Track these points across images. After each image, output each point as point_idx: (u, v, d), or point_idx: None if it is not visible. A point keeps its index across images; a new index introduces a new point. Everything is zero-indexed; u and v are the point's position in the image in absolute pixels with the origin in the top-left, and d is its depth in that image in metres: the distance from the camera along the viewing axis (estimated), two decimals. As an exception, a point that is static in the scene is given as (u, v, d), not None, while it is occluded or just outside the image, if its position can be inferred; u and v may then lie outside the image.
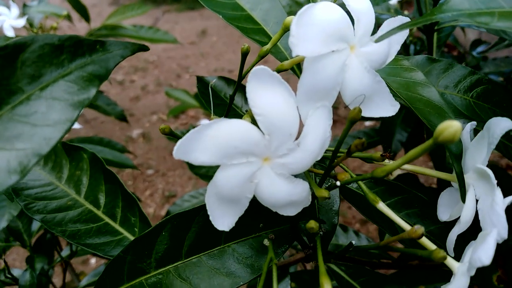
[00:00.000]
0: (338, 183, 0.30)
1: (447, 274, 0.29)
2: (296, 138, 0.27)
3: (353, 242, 0.32)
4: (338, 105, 2.53)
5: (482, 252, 0.23)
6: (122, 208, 0.51)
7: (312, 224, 0.27)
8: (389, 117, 0.30)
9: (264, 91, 0.26)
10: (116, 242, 0.49)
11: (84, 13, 1.41)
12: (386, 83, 0.35)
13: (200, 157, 0.26)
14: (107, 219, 0.50)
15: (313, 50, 0.25)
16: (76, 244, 0.48)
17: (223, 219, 0.29)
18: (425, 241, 0.28)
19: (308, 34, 0.25)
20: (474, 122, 0.35)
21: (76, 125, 1.10)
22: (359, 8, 0.27)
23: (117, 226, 0.50)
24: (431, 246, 0.27)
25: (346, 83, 0.28)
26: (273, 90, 0.26)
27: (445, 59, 0.48)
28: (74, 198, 0.52)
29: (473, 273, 0.25)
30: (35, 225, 0.98)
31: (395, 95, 0.34)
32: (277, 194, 0.28)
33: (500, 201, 0.27)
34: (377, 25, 0.33)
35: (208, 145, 0.26)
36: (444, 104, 0.34)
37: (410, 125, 1.01)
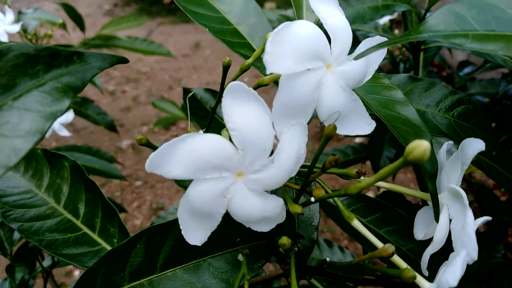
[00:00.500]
0: (312, 199, 0.30)
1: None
2: (271, 155, 0.27)
3: (328, 259, 0.32)
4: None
5: (450, 274, 0.24)
6: (101, 218, 0.50)
7: (284, 240, 0.27)
8: (378, 133, 0.30)
9: (239, 107, 0.26)
10: (94, 253, 0.48)
11: (79, 22, 1.42)
12: (365, 101, 0.36)
13: (174, 171, 0.26)
14: (85, 229, 0.50)
15: (288, 68, 0.26)
16: (52, 254, 0.47)
17: (196, 234, 0.29)
18: (396, 259, 0.28)
19: (283, 52, 0.25)
20: (451, 142, 0.35)
21: (66, 133, 1.09)
22: (336, 27, 0.28)
23: (95, 237, 0.49)
24: (403, 265, 0.27)
25: (322, 101, 0.28)
26: (248, 106, 0.26)
27: (427, 79, 0.48)
28: (53, 206, 0.51)
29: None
30: (17, 233, 0.96)
31: (373, 113, 0.34)
32: (249, 210, 0.28)
33: (471, 222, 0.27)
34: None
35: (181, 158, 0.26)
36: (422, 123, 0.35)
37: (398, 142, 1.02)
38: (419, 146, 0.21)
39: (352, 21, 0.56)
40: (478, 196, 1.12)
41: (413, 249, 0.45)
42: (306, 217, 0.43)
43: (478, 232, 1.01)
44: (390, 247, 0.25)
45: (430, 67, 1.31)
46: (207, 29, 0.45)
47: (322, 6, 0.28)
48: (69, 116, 1.07)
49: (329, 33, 0.28)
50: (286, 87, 0.27)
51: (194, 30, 4.00)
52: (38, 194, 0.52)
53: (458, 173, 0.30)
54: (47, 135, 1.03)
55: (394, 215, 0.49)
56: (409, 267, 0.26)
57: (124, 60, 0.26)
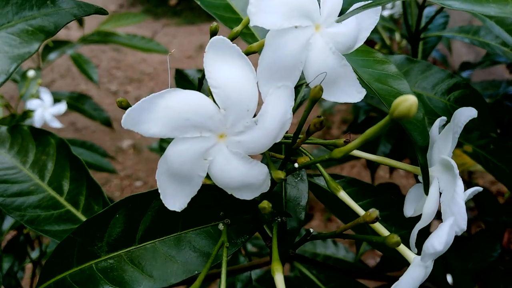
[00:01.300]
0: (296, 165, 0.28)
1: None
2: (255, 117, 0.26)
3: (311, 230, 0.31)
4: (331, 125, 2.54)
5: (435, 238, 0.22)
6: (86, 196, 0.49)
7: (265, 204, 0.26)
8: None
9: (222, 63, 0.25)
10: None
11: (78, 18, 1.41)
12: (358, 74, 0.34)
13: (151, 128, 0.25)
14: (69, 207, 0.48)
15: (273, 23, 0.25)
16: (34, 230, 0.46)
17: (175, 199, 0.28)
18: (379, 227, 0.26)
19: (268, 5, 0.24)
20: (444, 118, 0.34)
21: (57, 124, 1.08)
22: (326, -14, 0.27)
23: (79, 214, 0.48)
24: (386, 232, 0.26)
25: (310, 63, 0.27)
26: (231, 62, 0.25)
27: (424, 61, 0.47)
28: (37, 183, 0.50)
29: (428, 263, 0.24)
30: (7, 223, 0.95)
31: (365, 87, 0.33)
32: (231, 174, 0.27)
33: (461, 192, 0.26)
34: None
35: (159, 115, 0.25)
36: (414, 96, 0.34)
37: (394, 137, 1.01)
38: (405, 101, 0.20)
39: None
40: (477, 199, 1.11)
41: (404, 236, 0.43)
42: (294, 197, 0.41)
43: (474, 231, 0.99)
44: (374, 212, 0.24)
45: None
46: (199, 2, 0.44)
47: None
48: (62, 108, 1.06)
49: (318, -8, 0.26)
50: (272, 44, 0.26)
51: (199, 32, 3.99)
52: (22, 171, 0.51)
53: (449, 144, 0.29)
54: (38, 124, 1.02)
55: (386, 201, 0.48)
56: (393, 235, 0.25)
57: (102, 11, 0.25)
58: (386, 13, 1.04)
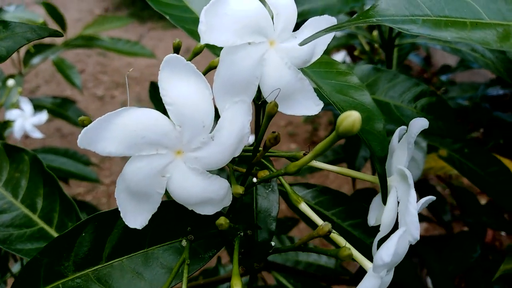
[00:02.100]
0: (254, 179, 0.29)
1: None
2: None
3: (273, 243, 0.31)
4: (318, 126, 2.55)
5: (384, 250, 0.23)
6: (59, 213, 0.49)
7: (222, 220, 0.26)
8: (355, 135, 0.28)
9: (176, 80, 0.25)
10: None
11: (60, 22, 1.40)
12: (319, 86, 0.35)
13: (107, 147, 0.25)
14: (42, 224, 0.48)
15: (225, 41, 0.25)
16: (6, 249, 0.46)
17: (135, 216, 0.28)
18: (337, 238, 0.27)
19: (219, 23, 0.24)
20: (404, 127, 0.34)
21: (38, 134, 1.07)
22: (278, 2, 0.27)
23: (52, 231, 0.47)
24: (343, 243, 0.26)
25: (265, 78, 0.27)
26: (186, 80, 0.25)
27: (391, 70, 0.48)
28: (10, 201, 0.50)
29: (381, 273, 0.24)
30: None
31: (325, 99, 0.33)
32: (190, 190, 0.27)
33: (414, 201, 0.26)
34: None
35: (115, 134, 0.25)
36: (375, 107, 0.34)
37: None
38: (348, 117, 0.21)
39: (321, 12, 0.56)
40: (459, 199, 1.12)
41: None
42: (265, 208, 0.42)
43: (456, 232, 1.00)
44: (327, 225, 0.24)
45: (407, 69, 1.32)
46: (168, 17, 0.45)
47: (263, -20, 0.27)
48: (42, 117, 1.05)
49: (271, 8, 0.27)
50: (227, 61, 0.26)
51: (185, 35, 3.99)
52: (-5, 189, 0.51)
53: (405, 155, 0.29)
54: (18, 135, 1.01)
55: (358, 209, 0.48)
56: (347, 246, 0.25)
57: (57, 34, 0.25)
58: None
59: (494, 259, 1.06)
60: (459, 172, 0.74)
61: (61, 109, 1.38)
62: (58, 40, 1.83)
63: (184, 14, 0.48)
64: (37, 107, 1.12)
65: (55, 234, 0.48)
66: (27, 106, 1.05)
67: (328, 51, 0.78)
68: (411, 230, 0.25)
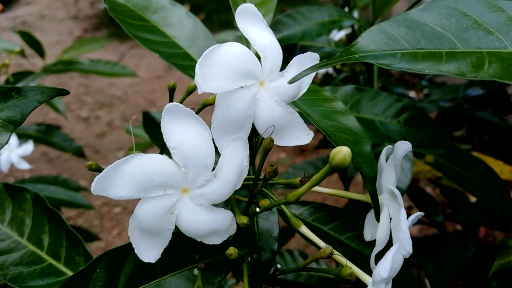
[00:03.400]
0: (258, 209, 0.31)
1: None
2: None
3: (279, 266, 0.33)
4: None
5: (381, 267, 0.25)
6: (66, 248, 0.50)
7: (231, 251, 0.28)
8: None
9: (178, 126, 0.28)
10: (60, 282, 0.48)
11: (38, 49, 1.40)
12: (308, 113, 0.38)
13: (119, 192, 0.27)
14: (50, 260, 0.49)
15: (220, 87, 0.27)
16: (18, 287, 0.47)
17: (148, 252, 0.30)
18: (338, 258, 0.29)
19: (213, 72, 0.27)
20: (390, 146, 0.37)
21: (25, 165, 1.07)
22: (265, 46, 0.30)
23: (61, 267, 0.49)
24: (344, 262, 0.29)
25: (258, 116, 0.30)
26: (186, 125, 0.28)
27: (372, 88, 0.51)
28: (16, 240, 0.51)
29: (380, 287, 0.27)
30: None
31: (316, 125, 0.36)
32: (198, 224, 0.29)
33: (404, 219, 0.29)
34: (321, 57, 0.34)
35: (125, 179, 0.27)
36: (361, 130, 0.37)
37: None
38: (339, 152, 0.23)
39: (300, 37, 0.59)
40: (449, 199, 1.15)
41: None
42: (266, 229, 0.44)
43: (449, 231, 1.03)
44: (328, 248, 0.27)
45: (388, 75, 1.36)
46: (157, 55, 0.47)
47: (250, 28, 0.30)
48: (28, 148, 1.05)
49: (258, 52, 0.30)
50: (222, 104, 0.29)
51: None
52: (1, 229, 0.52)
53: (393, 175, 0.32)
54: (5, 168, 1.01)
55: (354, 222, 0.51)
56: (348, 264, 0.27)
57: (64, 92, 0.28)
58: (342, 33, 1.09)
59: (488, 255, 1.08)
60: (446, 177, 0.77)
61: (47, 136, 1.37)
62: (37, 66, 1.83)
63: (172, 50, 0.50)
64: (22, 136, 1.12)
65: (64, 269, 0.49)
66: (11, 138, 1.05)
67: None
68: (404, 246, 0.27)
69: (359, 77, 1.11)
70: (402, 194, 0.63)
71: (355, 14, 0.89)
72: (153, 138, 0.58)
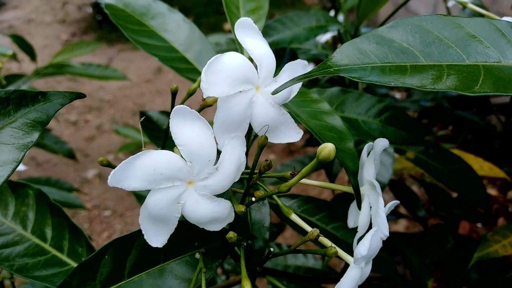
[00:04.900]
0: (253, 198, 0.35)
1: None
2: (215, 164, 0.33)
3: (272, 249, 0.37)
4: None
5: (361, 246, 0.29)
6: (69, 240, 0.53)
7: (231, 234, 0.32)
8: None
9: (184, 126, 0.31)
10: (64, 272, 0.51)
11: (30, 52, 1.41)
12: (297, 114, 0.42)
13: (132, 184, 0.31)
14: (54, 252, 0.52)
15: (222, 92, 0.31)
16: (24, 277, 0.50)
17: (156, 237, 0.33)
18: (324, 240, 0.33)
19: (216, 79, 0.31)
20: (371, 143, 0.41)
21: (21, 167, 1.09)
22: (261, 56, 0.34)
23: (64, 258, 0.52)
24: (328, 244, 0.33)
25: (254, 117, 0.34)
26: (192, 124, 0.31)
27: (356, 90, 0.55)
28: (20, 233, 0.54)
29: (362, 264, 0.31)
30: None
31: (305, 124, 0.40)
32: (201, 212, 0.33)
33: (382, 206, 0.33)
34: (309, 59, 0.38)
35: (137, 173, 0.30)
36: (345, 129, 0.41)
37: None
38: (325, 148, 0.27)
39: (289, 41, 0.63)
40: (431, 195, 1.21)
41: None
42: (258, 220, 0.48)
43: (430, 226, 1.08)
44: (316, 231, 0.31)
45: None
46: (156, 58, 0.50)
47: (248, 39, 0.34)
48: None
49: (255, 61, 0.33)
50: (223, 107, 0.32)
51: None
52: (5, 223, 0.55)
53: (373, 168, 0.36)
54: None
55: (339, 213, 0.55)
56: (332, 245, 0.32)
57: (81, 96, 0.31)
58: (329, 35, 1.14)
59: (468, 248, 1.14)
60: (426, 172, 0.82)
61: (38, 139, 1.39)
62: (28, 69, 1.83)
63: (170, 54, 0.54)
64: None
65: (68, 260, 0.52)
66: None
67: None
68: (382, 229, 0.32)
69: (344, 78, 1.16)
70: (384, 188, 0.68)
71: (341, 17, 0.93)
72: (151, 136, 0.62)
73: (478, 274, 1.05)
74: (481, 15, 0.63)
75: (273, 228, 1.16)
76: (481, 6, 0.93)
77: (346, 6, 0.84)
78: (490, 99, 1.15)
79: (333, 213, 0.55)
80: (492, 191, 1.92)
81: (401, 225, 1.92)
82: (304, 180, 0.38)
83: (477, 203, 0.83)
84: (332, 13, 1.11)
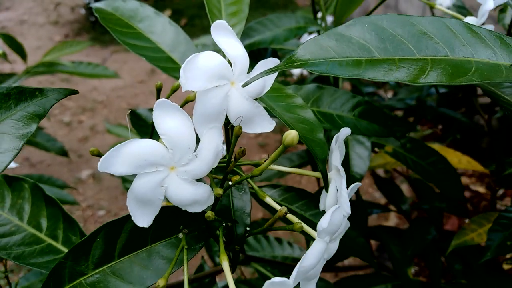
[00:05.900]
0: (230, 183, 0.39)
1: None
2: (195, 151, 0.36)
3: (248, 228, 0.41)
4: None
5: (323, 220, 0.33)
6: (63, 230, 0.57)
7: (209, 213, 0.36)
8: None
9: (166, 117, 0.35)
10: (59, 259, 0.55)
11: (20, 52, 1.43)
12: (273, 108, 0.45)
13: (119, 169, 0.34)
14: (49, 240, 0.56)
15: (199, 87, 0.35)
16: (21, 264, 0.53)
17: (143, 218, 0.37)
18: (291, 217, 0.37)
19: (193, 75, 0.34)
20: (338, 134, 0.45)
21: (12, 164, 1.12)
22: (235, 54, 0.38)
23: (59, 246, 0.55)
24: (295, 220, 0.37)
25: (230, 109, 0.38)
26: (173, 115, 0.35)
27: (331, 87, 0.59)
28: (17, 224, 0.57)
29: (325, 238, 0.35)
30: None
31: (279, 117, 0.44)
32: (183, 195, 0.37)
33: (345, 188, 0.37)
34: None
35: (124, 159, 0.34)
36: (316, 121, 0.45)
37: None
38: (289, 134, 0.31)
39: (270, 42, 0.67)
40: (416, 189, 1.26)
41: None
42: (240, 207, 0.52)
43: (413, 217, 1.12)
44: (283, 209, 0.35)
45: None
46: (144, 58, 0.54)
47: (223, 39, 0.38)
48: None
49: (230, 59, 0.37)
50: (201, 100, 0.36)
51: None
52: (2, 215, 0.58)
53: (339, 155, 0.40)
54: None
55: (317, 202, 0.59)
56: (299, 221, 0.36)
57: (74, 92, 0.35)
58: (313, 36, 1.18)
59: (450, 239, 1.19)
60: (404, 165, 0.86)
61: (30, 136, 1.41)
62: (19, 69, 1.85)
63: (156, 54, 0.57)
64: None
65: (62, 248, 0.56)
66: None
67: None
68: (344, 207, 0.35)
69: (329, 77, 1.20)
70: (361, 179, 0.72)
71: (330, 18, 0.97)
72: (140, 132, 0.65)
73: (462, 266, 1.09)
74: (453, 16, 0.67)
75: (253, 224, 1.20)
76: (462, 6, 0.97)
77: (331, 9, 0.88)
78: (476, 99, 1.19)
79: (312, 202, 0.59)
80: (480, 189, 1.97)
81: (392, 222, 1.96)
82: (276, 167, 0.42)
83: (453, 194, 0.88)
84: (319, 14, 1.15)
